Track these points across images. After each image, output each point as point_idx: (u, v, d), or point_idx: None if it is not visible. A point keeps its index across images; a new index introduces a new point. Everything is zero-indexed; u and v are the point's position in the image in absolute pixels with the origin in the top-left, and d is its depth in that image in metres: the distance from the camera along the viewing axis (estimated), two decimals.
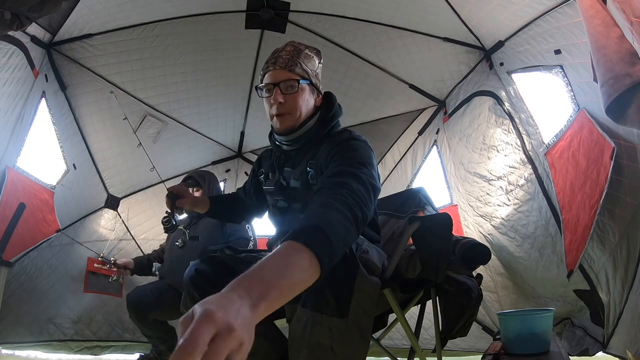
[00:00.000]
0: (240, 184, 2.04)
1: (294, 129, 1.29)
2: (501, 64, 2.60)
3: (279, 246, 0.71)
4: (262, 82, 1.31)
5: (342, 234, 0.80)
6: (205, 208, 1.57)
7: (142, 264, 2.91)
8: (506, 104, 2.59)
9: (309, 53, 1.33)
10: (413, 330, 1.48)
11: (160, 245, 3.10)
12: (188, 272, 1.20)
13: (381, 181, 3.61)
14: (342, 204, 0.88)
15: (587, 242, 1.84)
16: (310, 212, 0.85)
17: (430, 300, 1.55)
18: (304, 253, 0.70)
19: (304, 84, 1.28)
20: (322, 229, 0.76)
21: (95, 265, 3.27)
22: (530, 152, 2.43)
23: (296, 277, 0.67)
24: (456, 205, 3.02)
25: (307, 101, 1.30)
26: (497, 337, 1.78)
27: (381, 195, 1.23)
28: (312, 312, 0.92)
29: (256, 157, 1.84)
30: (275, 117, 1.28)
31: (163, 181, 2.90)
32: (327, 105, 1.37)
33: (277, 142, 1.36)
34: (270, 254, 0.69)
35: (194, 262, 1.22)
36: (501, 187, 2.61)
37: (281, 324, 1.17)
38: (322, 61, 1.40)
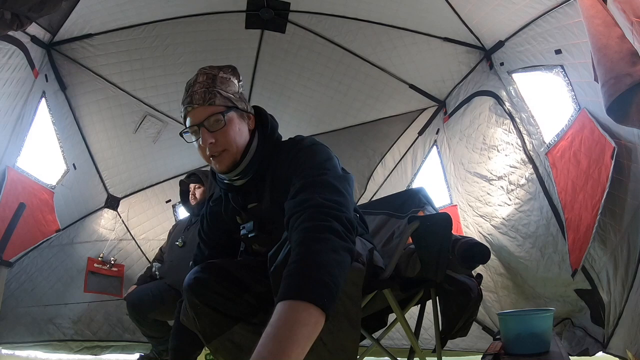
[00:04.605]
0: None
1: (237, 163, 1.17)
2: (501, 64, 2.60)
3: (280, 309, 0.74)
4: (184, 126, 1.18)
5: (337, 273, 0.81)
6: None
7: (147, 282, 2.82)
8: (507, 103, 2.58)
9: (224, 75, 1.20)
10: (413, 330, 1.48)
11: (160, 248, 3.10)
12: (187, 281, 1.16)
13: (381, 181, 3.68)
14: (324, 231, 0.87)
15: (590, 241, 1.84)
16: (297, 257, 0.83)
17: (430, 300, 1.55)
18: (309, 309, 0.74)
19: (230, 114, 1.16)
20: (316, 277, 0.78)
21: (95, 265, 3.28)
22: (531, 152, 2.42)
23: (307, 335, 0.72)
24: (456, 205, 3.01)
25: (240, 130, 1.18)
26: (497, 337, 1.78)
27: (381, 195, 1.21)
28: None
29: None
30: (211, 159, 1.17)
31: (163, 181, 2.90)
32: (262, 122, 1.26)
33: (226, 181, 1.24)
34: (277, 321, 0.72)
35: (192, 269, 1.19)
36: (502, 187, 2.61)
37: None
38: (241, 79, 1.27)
